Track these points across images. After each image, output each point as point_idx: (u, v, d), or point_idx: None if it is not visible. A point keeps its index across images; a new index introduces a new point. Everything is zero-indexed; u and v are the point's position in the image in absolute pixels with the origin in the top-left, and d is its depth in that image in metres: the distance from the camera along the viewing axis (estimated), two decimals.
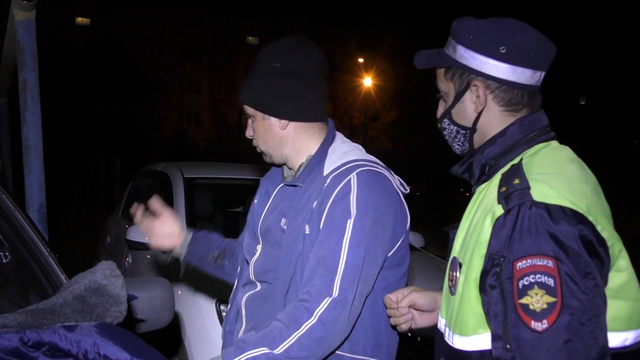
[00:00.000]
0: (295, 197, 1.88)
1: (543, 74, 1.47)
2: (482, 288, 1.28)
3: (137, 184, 6.40)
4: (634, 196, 25.88)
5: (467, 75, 1.47)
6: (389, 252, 1.82)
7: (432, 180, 35.19)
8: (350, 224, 1.71)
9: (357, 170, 1.76)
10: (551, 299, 1.16)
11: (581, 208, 1.23)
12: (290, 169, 1.99)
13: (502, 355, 1.21)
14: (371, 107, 37.39)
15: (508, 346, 1.20)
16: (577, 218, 1.21)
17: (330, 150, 1.89)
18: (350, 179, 1.74)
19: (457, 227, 1.50)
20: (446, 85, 1.52)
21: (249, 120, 1.97)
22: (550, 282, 1.17)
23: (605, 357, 1.18)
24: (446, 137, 1.57)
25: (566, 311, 1.15)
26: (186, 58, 48.35)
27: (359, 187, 1.74)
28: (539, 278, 1.18)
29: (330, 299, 1.65)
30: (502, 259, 1.24)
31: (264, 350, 1.60)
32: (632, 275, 1.28)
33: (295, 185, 1.92)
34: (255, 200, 2.10)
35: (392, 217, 1.80)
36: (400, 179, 1.93)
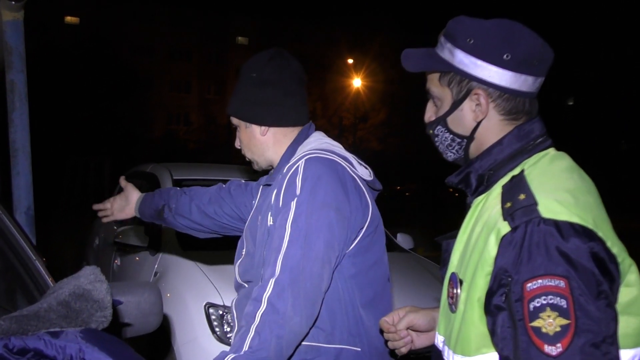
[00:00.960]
0: (268, 195, 1.95)
1: (542, 80, 1.40)
2: (488, 309, 1.22)
3: None
4: (622, 196, 26.06)
5: (467, 83, 1.38)
6: (353, 237, 1.83)
7: (422, 181, 35.26)
8: (293, 204, 1.76)
9: (305, 157, 1.83)
10: (564, 321, 1.10)
11: (590, 223, 1.17)
12: None
13: None
14: (361, 108, 37.40)
15: None
16: (587, 235, 1.16)
17: (299, 149, 1.98)
18: (298, 166, 1.82)
19: (450, 237, 1.45)
20: (441, 90, 1.43)
21: (237, 132, 2.08)
22: (563, 303, 1.11)
23: None
24: (437, 144, 1.49)
25: (580, 333, 1.10)
26: (176, 58, 48.19)
27: (304, 171, 1.79)
28: (550, 299, 1.12)
29: (274, 279, 1.68)
30: (509, 279, 1.17)
31: (230, 356, 1.63)
32: None
33: (270, 185, 2.01)
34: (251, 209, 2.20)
35: (344, 202, 1.80)
36: (367, 168, 1.99)
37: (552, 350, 1.10)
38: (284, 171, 1.87)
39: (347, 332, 1.82)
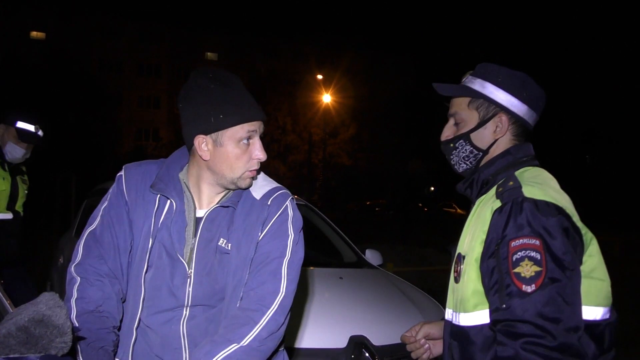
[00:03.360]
0: (233, 218, 1.95)
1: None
2: (482, 263, 1.64)
3: (92, 203, 6.28)
4: (586, 209, 26.56)
5: (493, 108, 1.82)
6: None
7: (391, 196, 35.51)
8: (290, 243, 1.95)
9: (289, 198, 2.02)
10: (538, 269, 1.53)
11: (560, 203, 1.61)
12: (220, 191, 1.98)
13: (499, 315, 1.55)
14: (330, 123, 37.58)
15: (504, 305, 1.54)
16: (558, 210, 1.59)
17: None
18: (287, 206, 1.99)
19: (457, 244, 1.81)
20: (468, 113, 1.85)
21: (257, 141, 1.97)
22: (538, 256, 1.54)
23: (579, 318, 1.54)
24: (452, 157, 1.89)
25: (549, 278, 1.52)
26: (145, 73, 48.00)
27: (293, 214, 2.00)
28: (528, 253, 1.54)
29: (282, 295, 1.88)
30: (499, 241, 1.59)
31: (234, 346, 1.76)
32: (600, 259, 1.66)
33: (227, 207, 1.96)
34: (171, 225, 1.93)
35: None
36: None
37: (528, 288, 1.52)
38: (269, 203, 1.96)
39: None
